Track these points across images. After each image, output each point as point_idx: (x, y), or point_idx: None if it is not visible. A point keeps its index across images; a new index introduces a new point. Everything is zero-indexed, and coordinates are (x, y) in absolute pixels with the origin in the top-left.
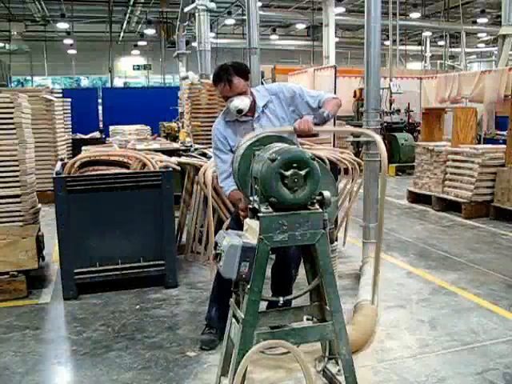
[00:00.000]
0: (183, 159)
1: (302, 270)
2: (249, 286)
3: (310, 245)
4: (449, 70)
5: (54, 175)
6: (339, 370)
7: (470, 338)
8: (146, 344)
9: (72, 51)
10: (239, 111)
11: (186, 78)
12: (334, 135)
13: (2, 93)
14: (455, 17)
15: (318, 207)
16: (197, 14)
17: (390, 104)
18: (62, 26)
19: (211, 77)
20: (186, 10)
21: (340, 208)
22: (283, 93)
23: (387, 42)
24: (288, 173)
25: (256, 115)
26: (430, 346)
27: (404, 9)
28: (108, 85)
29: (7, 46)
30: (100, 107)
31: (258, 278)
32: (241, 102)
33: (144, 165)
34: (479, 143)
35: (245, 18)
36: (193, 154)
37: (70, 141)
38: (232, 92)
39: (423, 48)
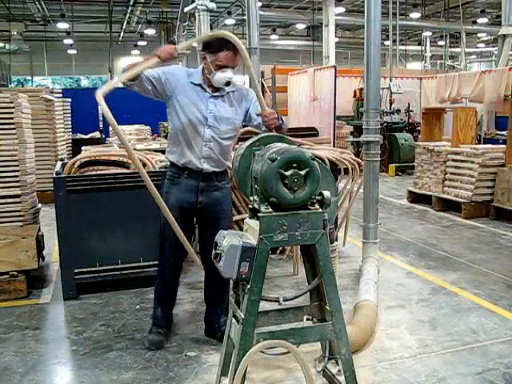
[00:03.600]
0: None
1: (302, 270)
2: (249, 286)
3: (310, 245)
4: (449, 70)
5: (54, 175)
6: (339, 370)
7: (470, 338)
8: (146, 344)
9: (72, 51)
10: (228, 83)
11: None
12: (334, 135)
13: (2, 93)
14: (455, 17)
15: (317, 207)
16: (197, 14)
17: (390, 104)
18: (62, 26)
19: None
20: (186, 10)
21: (340, 208)
22: (247, 91)
23: (387, 42)
24: (288, 173)
25: (216, 94)
26: (430, 346)
27: (404, 9)
28: None
29: (7, 45)
30: (100, 107)
31: (257, 278)
32: (232, 76)
33: (144, 165)
34: (479, 143)
35: (245, 18)
36: None
37: (70, 141)
38: (232, 63)
39: (423, 48)
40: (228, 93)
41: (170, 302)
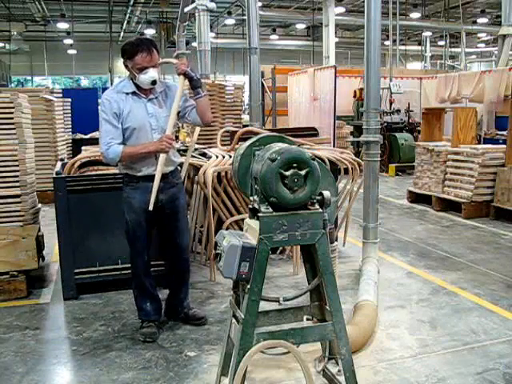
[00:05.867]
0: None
1: (302, 270)
2: (249, 286)
3: (310, 245)
4: (449, 70)
5: (54, 175)
6: (339, 370)
7: (470, 338)
8: (146, 344)
9: (72, 51)
10: (153, 82)
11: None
12: (334, 135)
13: (2, 93)
14: (455, 17)
15: (317, 207)
16: (197, 14)
17: (390, 104)
18: (62, 26)
19: (211, 76)
20: (186, 10)
21: (340, 208)
22: (176, 88)
23: (387, 42)
24: (288, 173)
25: (151, 96)
26: (430, 346)
27: (404, 9)
28: (108, 85)
29: (7, 45)
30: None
31: (258, 278)
32: (156, 74)
33: None
34: (479, 143)
35: (245, 18)
36: (193, 153)
37: (70, 141)
38: (150, 63)
39: (423, 48)
40: (160, 92)
41: (154, 294)
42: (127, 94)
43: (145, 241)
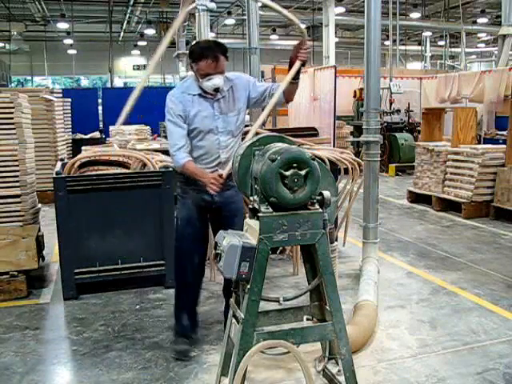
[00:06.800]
0: None
1: (302, 270)
2: (249, 286)
3: (310, 245)
4: (449, 70)
5: (54, 175)
6: (339, 370)
7: (470, 338)
8: (146, 344)
9: (72, 51)
10: (216, 89)
11: (185, 77)
12: (334, 135)
13: (1, 93)
14: (455, 17)
15: (317, 207)
16: (197, 14)
17: (390, 104)
18: (62, 26)
19: None
20: (185, 10)
21: (340, 208)
22: (240, 79)
23: (387, 42)
24: (288, 173)
25: (218, 97)
26: (430, 346)
27: (404, 9)
28: (108, 85)
29: (7, 46)
30: (100, 107)
31: (258, 278)
32: (220, 81)
33: (144, 165)
34: (479, 143)
35: (245, 18)
36: None
37: (70, 141)
38: (216, 69)
39: (423, 48)
40: (228, 90)
41: (196, 305)
42: (193, 95)
43: (195, 241)
